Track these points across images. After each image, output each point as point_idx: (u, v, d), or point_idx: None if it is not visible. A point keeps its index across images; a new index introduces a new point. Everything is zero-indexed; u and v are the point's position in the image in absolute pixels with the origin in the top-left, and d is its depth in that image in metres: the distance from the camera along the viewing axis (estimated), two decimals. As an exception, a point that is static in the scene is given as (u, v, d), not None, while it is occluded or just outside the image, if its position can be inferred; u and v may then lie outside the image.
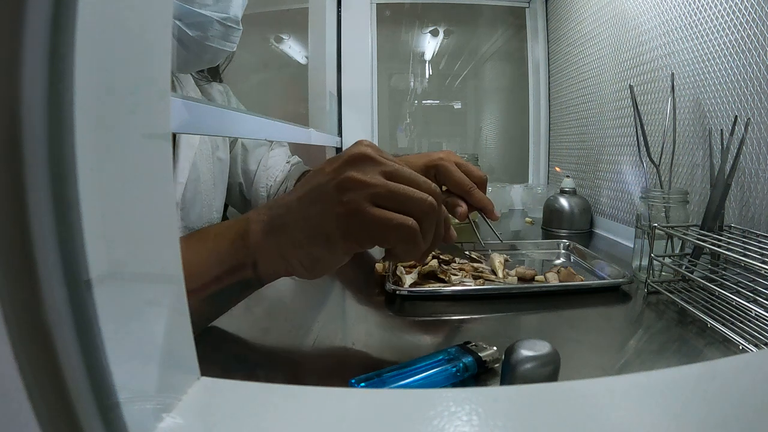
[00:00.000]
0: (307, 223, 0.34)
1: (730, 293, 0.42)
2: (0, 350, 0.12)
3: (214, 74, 0.79)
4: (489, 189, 1.13)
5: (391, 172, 0.34)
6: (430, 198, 0.34)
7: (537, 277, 0.59)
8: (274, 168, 0.82)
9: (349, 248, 0.35)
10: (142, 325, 0.18)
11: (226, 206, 0.84)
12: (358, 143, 0.36)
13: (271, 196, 0.82)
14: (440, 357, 0.34)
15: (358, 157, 0.34)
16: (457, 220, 0.43)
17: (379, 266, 0.62)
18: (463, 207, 0.42)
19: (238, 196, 0.84)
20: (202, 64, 0.64)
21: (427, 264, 0.58)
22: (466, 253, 0.67)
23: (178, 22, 0.55)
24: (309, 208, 0.34)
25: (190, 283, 0.35)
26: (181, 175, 0.65)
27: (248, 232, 0.36)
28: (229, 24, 0.59)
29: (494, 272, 0.60)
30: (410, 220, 0.33)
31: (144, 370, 0.17)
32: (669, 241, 0.57)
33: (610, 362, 0.38)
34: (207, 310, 0.38)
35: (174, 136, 0.64)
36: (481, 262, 0.64)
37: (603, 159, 0.96)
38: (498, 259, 0.62)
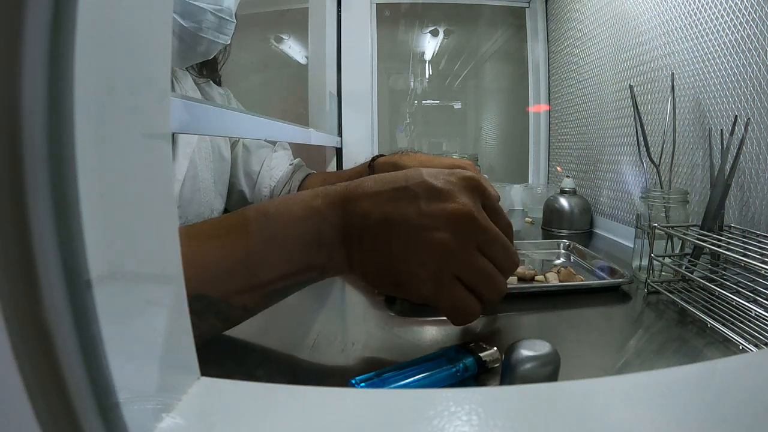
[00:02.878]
0: (394, 245, 0.33)
1: (730, 293, 0.42)
2: (0, 350, 0.12)
3: (212, 72, 0.78)
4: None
5: (494, 210, 0.34)
6: (506, 288, 0.35)
7: (537, 277, 0.59)
8: (276, 169, 0.82)
9: (421, 298, 0.35)
10: (142, 325, 0.18)
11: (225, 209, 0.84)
12: (465, 165, 0.35)
13: (274, 197, 0.81)
14: (440, 357, 0.34)
15: (473, 185, 0.34)
16: None
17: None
18: None
19: (237, 198, 0.83)
20: (196, 57, 0.64)
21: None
22: None
23: (171, 13, 0.55)
24: (400, 225, 0.32)
25: (255, 277, 0.34)
26: (178, 172, 0.65)
27: (322, 236, 0.34)
28: (223, 16, 0.59)
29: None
30: (478, 310, 0.34)
31: (144, 370, 0.17)
32: (669, 241, 0.57)
33: (610, 362, 0.38)
34: (265, 303, 0.36)
35: (172, 134, 0.64)
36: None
37: (603, 159, 0.96)
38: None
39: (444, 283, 0.33)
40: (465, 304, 0.34)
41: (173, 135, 0.65)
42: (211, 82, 0.79)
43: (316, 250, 0.34)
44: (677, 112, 0.68)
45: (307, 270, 0.35)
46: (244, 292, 0.34)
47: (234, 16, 0.61)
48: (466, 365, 0.33)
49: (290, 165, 0.84)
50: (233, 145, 0.81)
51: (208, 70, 0.77)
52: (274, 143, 0.86)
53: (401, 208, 0.33)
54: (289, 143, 0.90)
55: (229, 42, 0.63)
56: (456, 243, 0.32)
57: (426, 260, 0.32)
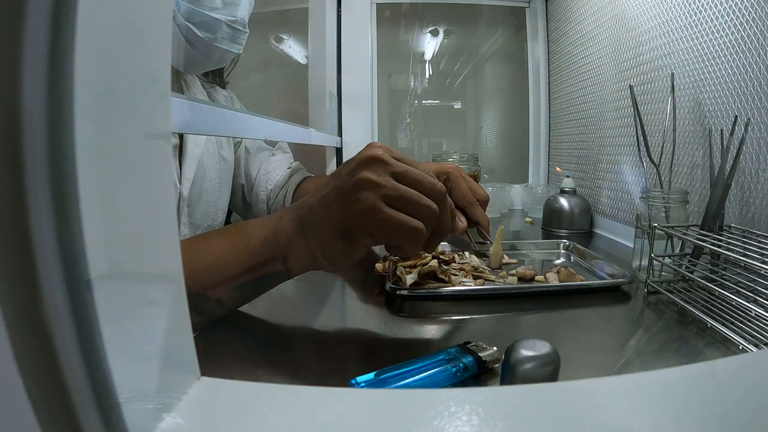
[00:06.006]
0: (330, 221, 0.38)
1: (730, 293, 0.42)
2: (0, 350, 0.12)
3: (218, 78, 0.80)
4: (489, 189, 1.13)
5: (400, 173, 0.37)
6: (434, 205, 0.38)
7: (537, 277, 0.59)
8: (273, 173, 0.83)
9: (366, 242, 0.38)
10: (142, 325, 0.18)
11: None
12: (370, 146, 0.39)
13: (270, 200, 0.83)
14: (440, 357, 0.34)
15: (370, 160, 0.37)
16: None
17: (379, 266, 0.62)
18: (463, 223, 0.45)
19: (240, 198, 0.85)
20: (209, 65, 0.66)
21: (427, 264, 0.58)
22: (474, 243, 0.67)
23: (188, 23, 0.57)
24: (330, 207, 0.38)
25: (226, 271, 0.40)
26: (188, 171, 0.66)
27: (279, 230, 0.40)
28: (237, 27, 0.62)
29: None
30: (420, 225, 0.37)
31: (144, 370, 0.17)
32: (669, 241, 0.57)
33: (610, 362, 0.38)
34: (238, 297, 0.42)
35: (181, 134, 0.65)
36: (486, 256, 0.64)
37: (603, 159, 0.96)
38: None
39: (380, 209, 0.36)
40: (408, 224, 0.36)
41: (182, 136, 0.66)
42: (217, 86, 0.81)
43: (275, 243, 0.40)
44: (677, 112, 0.68)
45: (271, 262, 0.40)
46: (217, 286, 0.40)
47: (246, 26, 0.63)
48: (466, 365, 0.33)
49: (288, 169, 0.85)
50: (236, 145, 0.83)
51: (216, 77, 0.80)
52: (273, 145, 0.87)
53: (329, 185, 0.39)
54: (289, 144, 0.90)
55: (241, 51, 0.65)
56: (372, 174, 0.37)
57: (354, 194, 0.36)
